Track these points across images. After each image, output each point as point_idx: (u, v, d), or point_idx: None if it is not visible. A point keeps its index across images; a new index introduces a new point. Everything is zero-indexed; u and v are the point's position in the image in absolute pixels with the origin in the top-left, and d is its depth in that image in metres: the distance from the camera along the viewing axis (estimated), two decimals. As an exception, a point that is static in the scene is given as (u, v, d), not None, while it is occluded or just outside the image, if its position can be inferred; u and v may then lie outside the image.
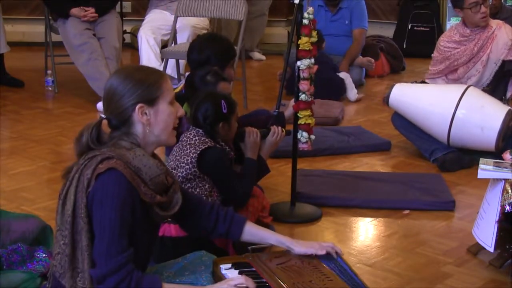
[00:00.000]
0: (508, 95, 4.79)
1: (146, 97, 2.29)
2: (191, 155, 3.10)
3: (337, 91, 6.06)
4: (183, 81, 3.88)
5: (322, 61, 5.97)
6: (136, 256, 2.21)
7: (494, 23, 4.74)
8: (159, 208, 2.30)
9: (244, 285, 2.26)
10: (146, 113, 2.28)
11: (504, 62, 4.70)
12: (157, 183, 2.28)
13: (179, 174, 3.08)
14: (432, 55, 4.94)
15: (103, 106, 2.34)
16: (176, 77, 5.88)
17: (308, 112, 3.62)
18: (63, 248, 2.22)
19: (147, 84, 2.30)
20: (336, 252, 2.53)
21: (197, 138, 3.15)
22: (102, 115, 2.33)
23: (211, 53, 3.67)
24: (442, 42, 4.85)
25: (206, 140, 3.14)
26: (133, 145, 2.27)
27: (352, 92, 6.11)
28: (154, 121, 2.30)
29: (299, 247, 2.53)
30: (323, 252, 2.52)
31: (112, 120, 2.30)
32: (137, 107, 2.27)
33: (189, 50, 3.79)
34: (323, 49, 6.08)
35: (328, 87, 5.91)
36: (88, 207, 2.19)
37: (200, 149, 3.10)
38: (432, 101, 4.53)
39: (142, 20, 6.38)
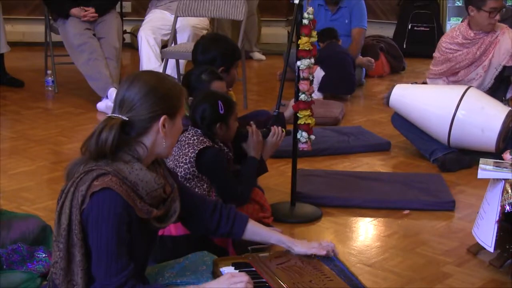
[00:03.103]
0: (508, 96, 4.79)
1: (171, 109, 2.26)
2: (190, 154, 3.10)
3: (346, 87, 6.16)
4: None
5: (341, 55, 6.09)
6: (135, 261, 2.21)
7: (498, 27, 4.72)
8: (156, 221, 2.28)
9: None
10: (164, 126, 2.25)
11: (504, 68, 4.69)
12: (154, 197, 2.25)
13: (178, 174, 3.07)
14: (434, 54, 4.93)
15: (121, 105, 2.23)
16: (176, 77, 5.88)
17: (308, 112, 3.62)
18: (59, 260, 2.21)
19: (174, 96, 2.28)
20: (334, 252, 2.53)
21: (195, 138, 3.15)
22: (120, 115, 2.22)
23: (216, 53, 3.66)
24: (444, 43, 4.84)
25: (205, 140, 3.15)
26: (133, 158, 2.22)
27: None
28: (169, 134, 2.28)
29: (300, 247, 2.54)
30: (323, 253, 2.52)
31: (132, 124, 2.22)
32: (162, 118, 2.24)
33: (194, 50, 3.78)
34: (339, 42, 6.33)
35: (342, 82, 6.07)
36: (82, 224, 2.17)
37: (198, 149, 3.10)
38: (433, 102, 4.53)
39: (142, 20, 6.38)
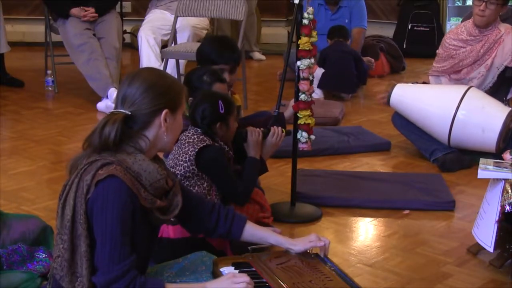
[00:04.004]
0: (509, 96, 4.78)
1: (173, 104, 2.30)
2: (190, 153, 3.10)
3: (346, 86, 6.17)
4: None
5: (342, 54, 6.09)
6: (136, 258, 2.21)
7: (503, 27, 4.71)
8: (159, 212, 2.29)
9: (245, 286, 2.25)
10: (166, 120, 2.28)
11: (506, 68, 4.68)
12: (157, 187, 2.27)
13: (178, 172, 3.08)
14: (437, 51, 4.92)
15: (123, 101, 2.26)
16: (176, 77, 5.88)
17: (308, 112, 3.62)
18: (63, 252, 2.21)
19: (176, 91, 2.32)
20: (324, 254, 2.53)
21: (195, 136, 3.15)
22: (123, 110, 2.25)
23: (212, 53, 3.68)
24: (448, 39, 4.83)
25: (205, 138, 3.15)
26: (136, 150, 2.25)
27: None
28: (171, 128, 2.31)
29: (298, 245, 2.54)
30: (321, 244, 2.52)
31: (135, 118, 2.26)
32: (164, 112, 2.27)
33: (198, 52, 3.81)
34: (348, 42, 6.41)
35: (342, 81, 6.09)
36: (87, 214, 2.18)
37: (198, 147, 3.10)
38: (433, 102, 4.53)
39: (142, 20, 6.38)
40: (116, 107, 2.29)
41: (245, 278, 2.27)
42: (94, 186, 2.17)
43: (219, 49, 3.70)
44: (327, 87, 6.12)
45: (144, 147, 2.27)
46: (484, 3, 4.58)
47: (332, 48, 6.25)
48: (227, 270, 2.44)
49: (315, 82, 5.52)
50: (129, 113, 2.25)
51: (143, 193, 2.22)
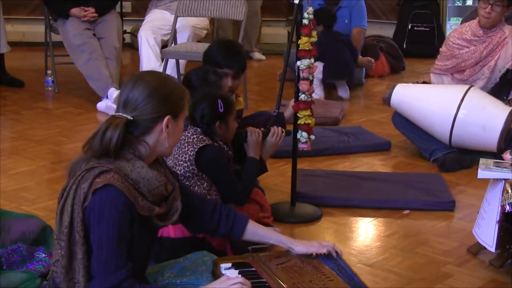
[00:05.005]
0: (510, 97, 4.77)
1: (175, 110, 2.28)
2: (189, 153, 3.10)
3: (344, 72, 6.14)
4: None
5: (336, 39, 6.05)
6: (135, 260, 2.21)
7: (507, 29, 4.70)
8: (158, 219, 2.28)
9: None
10: (168, 126, 2.26)
11: (508, 71, 4.67)
12: (155, 194, 2.26)
13: (177, 172, 3.07)
14: (440, 49, 4.91)
15: (125, 105, 2.24)
16: (176, 77, 5.88)
17: (307, 112, 3.62)
18: (60, 258, 2.21)
19: (178, 97, 2.30)
20: (336, 252, 2.54)
21: (195, 136, 3.15)
22: (125, 115, 2.23)
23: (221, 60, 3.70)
24: (452, 37, 4.82)
25: (204, 138, 3.15)
26: (135, 156, 2.23)
27: (345, 91, 6.17)
28: (172, 134, 2.29)
29: (300, 246, 2.54)
30: (323, 251, 2.52)
31: (136, 123, 2.23)
32: (166, 118, 2.25)
33: (204, 53, 3.82)
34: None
35: (338, 66, 6.03)
36: (84, 222, 2.17)
37: (198, 147, 3.10)
38: (434, 102, 4.52)
39: (142, 20, 6.38)
40: (117, 110, 2.27)
41: (239, 279, 2.27)
42: (91, 194, 2.16)
43: (224, 53, 3.71)
44: (326, 79, 6.07)
45: (144, 153, 2.25)
46: (489, 6, 4.57)
47: (322, 38, 6.16)
48: (227, 271, 2.44)
49: (316, 81, 5.50)
50: (131, 118, 2.23)
51: (140, 201, 2.20)
